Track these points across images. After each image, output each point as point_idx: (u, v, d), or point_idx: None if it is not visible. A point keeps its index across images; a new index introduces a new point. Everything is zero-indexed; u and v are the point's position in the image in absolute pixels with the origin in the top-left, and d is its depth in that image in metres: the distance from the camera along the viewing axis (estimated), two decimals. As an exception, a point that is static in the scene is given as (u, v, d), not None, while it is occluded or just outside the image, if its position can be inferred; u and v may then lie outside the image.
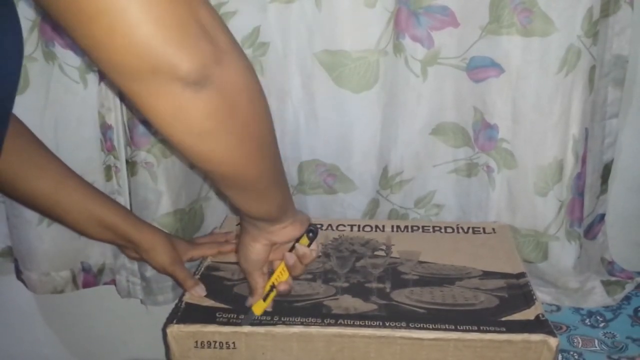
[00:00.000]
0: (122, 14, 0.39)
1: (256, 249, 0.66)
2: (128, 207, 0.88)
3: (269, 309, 0.68)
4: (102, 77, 0.84)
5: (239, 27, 0.80)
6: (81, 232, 0.77)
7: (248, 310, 0.67)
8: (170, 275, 0.77)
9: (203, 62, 0.42)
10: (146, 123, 0.81)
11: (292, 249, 0.67)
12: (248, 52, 0.85)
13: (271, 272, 0.69)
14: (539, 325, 0.65)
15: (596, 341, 0.85)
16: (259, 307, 0.67)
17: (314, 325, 0.65)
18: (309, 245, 0.67)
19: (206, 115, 0.45)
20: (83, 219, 0.74)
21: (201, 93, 0.43)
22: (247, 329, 0.65)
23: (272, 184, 0.58)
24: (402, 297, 0.71)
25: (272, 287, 0.68)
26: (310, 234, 0.67)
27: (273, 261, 0.69)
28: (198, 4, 0.43)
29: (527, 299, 0.70)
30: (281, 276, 0.68)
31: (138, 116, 0.82)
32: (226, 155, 0.50)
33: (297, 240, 0.67)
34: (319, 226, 0.72)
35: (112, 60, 0.41)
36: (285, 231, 0.65)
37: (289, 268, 0.68)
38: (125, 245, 0.79)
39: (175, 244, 0.79)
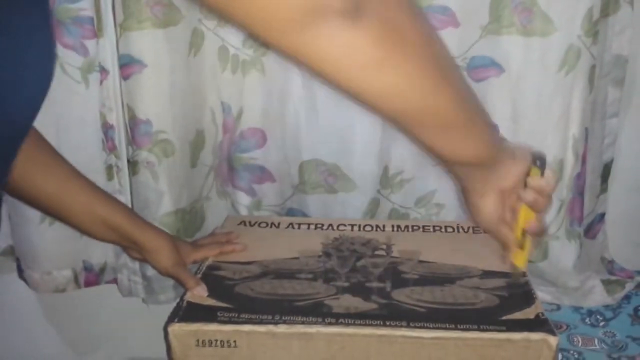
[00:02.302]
0: None
1: (489, 204, 0.61)
2: (129, 207, 0.88)
3: (273, 310, 0.68)
4: (104, 77, 0.84)
5: (239, 27, 0.80)
6: (85, 232, 0.77)
7: (512, 268, 0.62)
8: (172, 277, 0.77)
9: None
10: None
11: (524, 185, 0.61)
12: (249, 52, 0.86)
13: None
14: (539, 324, 0.65)
15: (596, 340, 0.85)
16: (520, 258, 0.62)
17: (314, 324, 0.65)
18: (541, 174, 0.60)
19: (374, 43, 0.43)
20: (87, 219, 0.74)
21: (361, 21, 0.42)
22: (248, 327, 0.65)
23: (471, 113, 0.53)
24: (403, 296, 0.71)
25: (524, 232, 0.62)
26: (538, 162, 0.60)
27: (513, 207, 0.63)
28: None
29: (527, 298, 0.70)
30: (527, 217, 0.62)
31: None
32: (410, 86, 0.47)
33: (527, 175, 0.60)
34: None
35: (271, 19, 0.41)
36: (510, 170, 0.59)
37: (532, 205, 0.61)
38: (129, 246, 0.79)
39: (178, 246, 0.79)
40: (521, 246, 0.62)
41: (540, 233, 0.63)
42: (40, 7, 0.45)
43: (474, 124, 0.54)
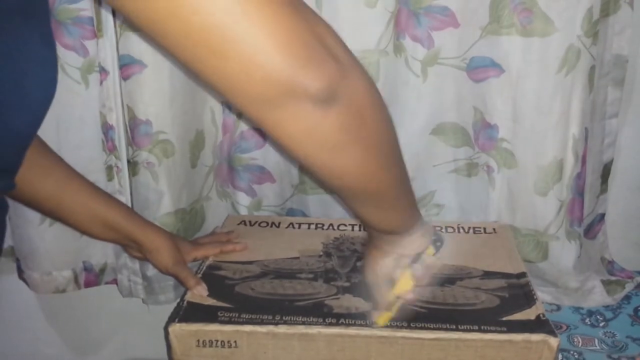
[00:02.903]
0: (254, 49, 0.40)
1: (386, 264, 0.66)
2: (129, 206, 0.88)
3: (273, 310, 0.68)
4: (104, 77, 0.84)
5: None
6: (85, 232, 0.77)
7: (372, 323, 0.66)
8: (172, 275, 0.78)
9: (330, 79, 0.43)
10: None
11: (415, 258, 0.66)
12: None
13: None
14: (539, 325, 0.65)
15: (596, 340, 0.85)
16: (384, 318, 0.66)
17: (315, 324, 0.65)
18: (434, 254, 0.66)
19: (337, 129, 0.46)
20: (87, 219, 0.74)
21: (331, 109, 0.44)
22: (248, 328, 0.65)
23: (401, 192, 0.58)
24: (403, 296, 0.71)
25: (397, 297, 0.67)
26: (438, 243, 0.66)
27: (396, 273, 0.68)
28: (316, 23, 0.44)
29: (528, 298, 0.70)
30: (405, 285, 0.67)
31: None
32: (359, 167, 0.50)
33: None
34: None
35: (246, 92, 0.42)
36: (416, 243, 0.65)
37: (417, 279, 0.67)
38: (129, 245, 0.79)
39: (178, 245, 0.79)
40: (388, 308, 0.67)
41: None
42: (41, 18, 0.45)
43: (403, 202, 0.60)
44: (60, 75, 0.83)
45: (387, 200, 0.57)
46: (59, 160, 0.73)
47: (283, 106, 0.43)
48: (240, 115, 0.91)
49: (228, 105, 0.91)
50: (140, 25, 0.41)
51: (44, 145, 0.72)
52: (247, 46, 0.40)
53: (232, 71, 0.41)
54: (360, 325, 0.65)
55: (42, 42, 0.46)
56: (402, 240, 0.64)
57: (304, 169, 0.50)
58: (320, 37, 0.43)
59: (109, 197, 0.78)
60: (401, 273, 0.67)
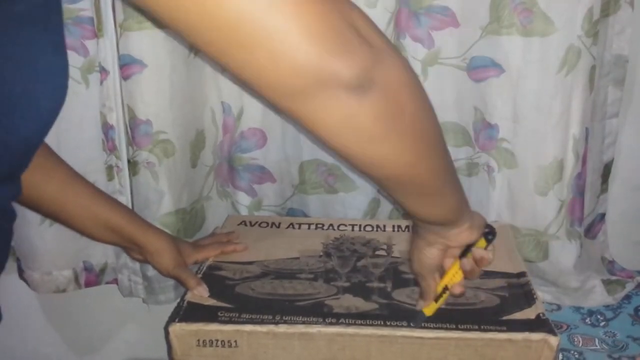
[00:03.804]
0: (282, 39, 0.39)
1: (431, 254, 0.64)
2: (129, 207, 0.88)
3: (273, 310, 0.68)
4: (104, 77, 0.84)
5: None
6: (86, 235, 0.77)
7: (418, 312, 0.66)
8: (174, 278, 0.78)
9: (364, 65, 0.42)
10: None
11: (466, 249, 0.64)
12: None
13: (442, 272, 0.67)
14: (539, 324, 0.65)
15: (597, 340, 0.85)
16: (431, 308, 0.66)
17: (315, 324, 0.65)
18: (485, 248, 0.64)
19: (374, 118, 0.44)
20: (88, 221, 0.74)
21: (366, 96, 0.43)
22: (248, 327, 0.65)
23: (446, 183, 0.56)
24: (403, 296, 0.71)
25: (445, 288, 0.66)
26: (490, 236, 0.64)
27: (445, 264, 0.67)
28: (349, 9, 0.43)
29: (528, 298, 0.70)
30: (454, 278, 0.65)
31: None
32: (399, 157, 0.49)
33: (474, 242, 0.64)
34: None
35: (277, 84, 0.41)
36: (463, 236, 0.63)
37: (466, 272, 0.65)
38: (130, 247, 0.79)
39: (179, 247, 0.79)
40: (437, 299, 0.66)
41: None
42: (54, 27, 0.45)
43: (448, 193, 0.57)
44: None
45: (431, 190, 0.55)
46: (61, 162, 0.73)
47: (315, 96, 0.42)
48: (240, 115, 0.91)
49: (228, 104, 0.91)
50: (165, 20, 0.40)
51: (44, 146, 0.72)
52: (274, 36, 0.39)
53: (259, 63, 0.40)
54: (361, 324, 0.65)
55: (54, 51, 0.45)
56: (448, 232, 0.62)
57: (341, 159, 0.48)
58: (350, 22, 0.42)
59: (110, 200, 0.78)
60: (450, 265, 0.66)
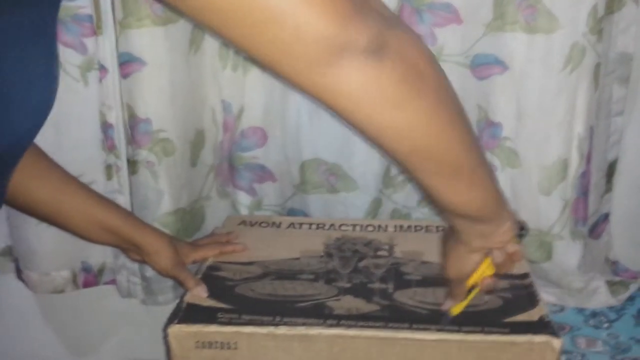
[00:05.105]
0: (294, 19, 0.40)
1: (474, 261, 0.62)
2: (129, 207, 0.88)
3: (274, 311, 0.67)
4: (103, 75, 0.83)
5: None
6: (83, 237, 0.77)
7: (444, 313, 0.65)
8: (172, 278, 0.77)
9: (378, 29, 0.43)
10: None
11: None
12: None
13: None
14: (542, 326, 0.64)
15: (600, 342, 0.85)
16: (458, 307, 0.65)
17: (315, 326, 0.65)
18: (518, 243, 0.62)
19: (396, 81, 0.45)
20: (85, 223, 0.74)
21: (385, 59, 0.44)
22: (248, 329, 0.64)
23: (478, 162, 0.54)
24: (405, 297, 0.71)
25: (473, 285, 0.64)
26: (523, 231, 0.62)
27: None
28: None
29: (531, 299, 0.70)
30: (485, 272, 0.63)
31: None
32: (425, 125, 0.48)
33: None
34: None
35: (295, 58, 0.42)
36: (507, 235, 0.60)
37: (497, 266, 0.63)
38: (128, 248, 0.79)
39: (177, 247, 0.79)
40: (465, 298, 0.65)
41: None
42: (49, 37, 0.45)
43: (480, 174, 0.55)
44: (60, 74, 0.83)
45: (461, 168, 0.53)
46: (55, 165, 0.73)
47: (335, 64, 0.42)
48: (240, 114, 0.90)
49: (229, 103, 0.90)
50: (180, 8, 0.41)
51: (39, 151, 0.71)
52: (289, 11, 0.40)
53: (276, 39, 0.41)
54: (362, 326, 0.64)
55: (47, 60, 0.46)
56: (494, 233, 0.59)
57: (372, 142, 0.48)
58: None
59: (106, 201, 0.78)
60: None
